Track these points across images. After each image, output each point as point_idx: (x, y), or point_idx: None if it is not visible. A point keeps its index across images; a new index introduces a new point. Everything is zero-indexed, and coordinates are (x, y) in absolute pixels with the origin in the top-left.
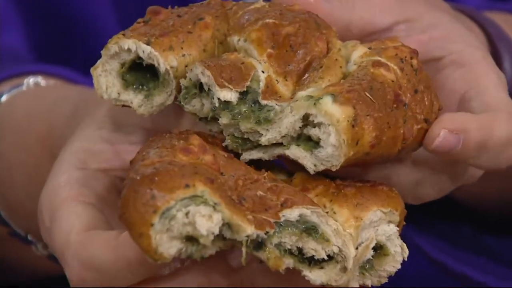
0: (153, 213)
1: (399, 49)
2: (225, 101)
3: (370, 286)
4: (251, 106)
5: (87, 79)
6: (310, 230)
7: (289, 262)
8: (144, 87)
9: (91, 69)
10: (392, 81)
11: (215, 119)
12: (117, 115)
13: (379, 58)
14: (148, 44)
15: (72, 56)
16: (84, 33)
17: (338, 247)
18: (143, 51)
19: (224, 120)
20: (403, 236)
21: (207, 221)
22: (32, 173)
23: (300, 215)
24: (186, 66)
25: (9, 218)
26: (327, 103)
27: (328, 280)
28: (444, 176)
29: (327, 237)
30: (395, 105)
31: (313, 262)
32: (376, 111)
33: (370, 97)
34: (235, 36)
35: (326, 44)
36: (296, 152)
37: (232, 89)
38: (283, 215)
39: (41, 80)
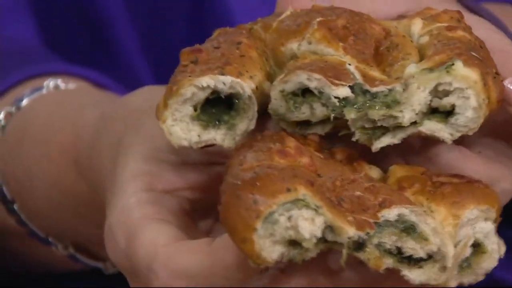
0: (256, 218)
1: (448, 12)
2: (343, 98)
3: (466, 284)
4: (365, 96)
5: (106, 79)
6: (409, 229)
7: (389, 262)
8: (221, 121)
9: (160, 124)
10: (470, 40)
11: (305, 123)
12: None
13: (445, 23)
14: (223, 75)
15: (83, 52)
16: (95, 29)
17: (437, 245)
18: (223, 83)
19: (351, 115)
20: None
21: (309, 225)
22: (54, 180)
23: (399, 215)
24: (256, 88)
25: (29, 220)
26: (460, 67)
27: (427, 279)
28: (510, 178)
29: (426, 236)
30: (485, 61)
31: (412, 261)
32: (486, 68)
33: (477, 56)
34: (291, 43)
35: (380, 26)
36: (431, 126)
37: (345, 85)
38: (382, 215)
39: (60, 83)
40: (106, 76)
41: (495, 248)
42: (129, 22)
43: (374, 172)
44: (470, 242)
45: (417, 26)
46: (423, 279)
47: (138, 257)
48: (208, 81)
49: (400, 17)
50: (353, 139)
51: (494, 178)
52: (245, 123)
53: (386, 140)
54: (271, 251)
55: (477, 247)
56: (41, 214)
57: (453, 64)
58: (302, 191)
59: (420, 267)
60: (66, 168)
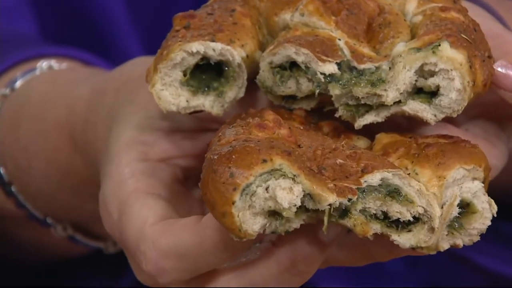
0: (234, 190)
1: None
2: (329, 74)
3: (461, 245)
4: (352, 73)
5: (100, 60)
6: (393, 193)
7: (376, 227)
8: (211, 87)
9: (149, 88)
10: (463, 22)
11: (292, 97)
12: None
13: (440, 4)
14: (213, 41)
15: (82, 46)
16: (94, 24)
17: (423, 207)
18: (213, 49)
19: (336, 91)
20: None
21: (288, 194)
22: (51, 158)
23: (382, 179)
24: (247, 56)
25: (27, 202)
26: (447, 49)
27: (417, 242)
28: (497, 154)
29: (411, 198)
30: (476, 44)
31: (400, 226)
32: (475, 50)
33: (467, 38)
34: (284, 14)
35: (375, 2)
36: (414, 106)
37: (332, 61)
38: (365, 181)
39: (54, 63)
40: (99, 57)
41: (485, 207)
42: (131, 19)
43: (362, 142)
44: (456, 201)
45: (412, 4)
46: (413, 242)
47: (127, 236)
48: (198, 47)
49: None
50: (336, 115)
51: (487, 151)
52: (234, 90)
53: (369, 118)
54: (252, 223)
55: (467, 207)
56: (40, 194)
57: (439, 45)
58: (279, 161)
59: (409, 230)
60: (62, 144)
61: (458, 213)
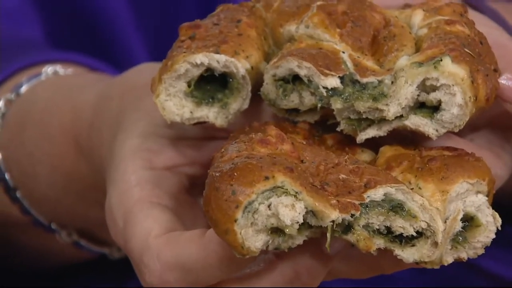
0: (236, 208)
1: (451, 5)
2: (331, 88)
3: (466, 259)
4: (354, 87)
5: (105, 66)
6: (397, 208)
7: (379, 242)
8: (215, 99)
9: (154, 99)
10: (468, 35)
11: (295, 110)
12: None
13: (446, 17)
14: (217, 53)
15: (86, 50)
16: (99, 28)
17: (426, 222)
18: (218, 61)
19: (337, 105)
20: None
21: (290, 211)
22: (56, 163)
23: (385, 194)
24: (252, 67)
25: (32, 207)
26: (448, 64)
27: (420, 257)
28: (502, 165)
29: (414, 213)
30: (481, 58)
31: (403, 241)
32: (478, 65)
33: (470, 52)
34: (289, 25)
35: (381, 14)
36: (416, 121)
37: (334, 75)
38: (368, 196)
39: (59, 68)
40: (104, 63)
41: (490, 220)
42: (136, 24)
43: (366, 155)
44: (460, 216)
45: (417, 17)
46: (417, 257)
47: (132, 246)
48: (202, 58)
49: (406, 6)
50: (338, 129)
51: (490, 162)
52: (239, 102)
53: (371, 132)
54: (254, 240)
55: (471, 221)
56: (45, 199)
57: (441, 60)
58: (281, 178)
59: (413, 245)
60: (67, 149)
61: (462, 227)
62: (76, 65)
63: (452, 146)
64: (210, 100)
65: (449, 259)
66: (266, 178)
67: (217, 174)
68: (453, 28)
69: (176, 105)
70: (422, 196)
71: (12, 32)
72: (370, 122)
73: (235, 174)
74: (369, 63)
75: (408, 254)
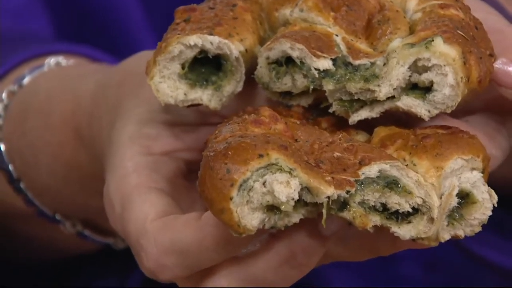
0: (231, 186)
1: None
2: (323, 70)
3: (463, 236)
4: (347, 69)
5: (109, 57)
6: (392, 184)
7: (375, 219)
8: (209, 81)
9: (148, 81)
10: (463, 19)
11: (289, 93)
12: None
13: (440, 1)
14: (211, 35)
15: (96, 45)
16: (109, 24)
17: (422, 198)
18: (211, 43)
19: (329, 86)
20: None
21: (285, 188)
22: (57, 152)
23: (380, 171)
24: (246, 50)
25: (36, 198)
26: (440, 44)
27: (417, 233)
28: (497, 144)
29: (409, 189)
30: (475, 41)
31: (400, 218)
32: (471, 47)
33: (463, 34)
34: (284, 9)
35: None
36: (408, 102)
37: (327, 57)
38: (363, 173)
39: (61, 60)
40: (109, 55)
41: (486, 197)
42: (145, 17)
43: (361, 136)
44: (455, 191)
45: (412, 2)
46: (413, 233)
47: (129, 230)
48: (196, 40)
49: None
50: (330, 110)
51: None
52: (233, 85)
53: (363, 114)
54: (250, 218)
55: (467, 197)
56: (47, 190)
57: (432, 40)
58: (275, 156)
59: (409, 222)
60: (68, 139)
61: (458, 204)
62: (79, 56)
63: (446, 125)
64: (204, 82)
65: (446, 236)
66: (260, 155)
67: (211, 154)
68: (447, 12)
69: (170, 87)
70: (417, 173)
71: (15, 25)
72: (362, 104)
73: (229, 153)
74: (362, 46)
75: (404, 231)
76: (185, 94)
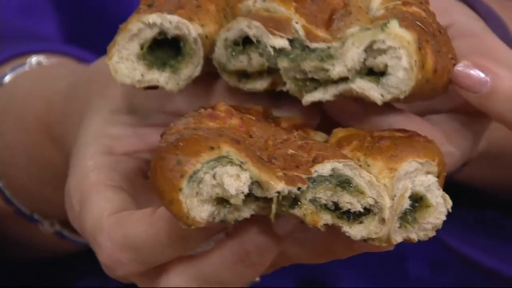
0: (181, 177)
1: None
2: (279, 49)
3: (416, 240)
4: (303, 50)
5: (95, 57)
6: (344, 183)
7: (326, 217)
8: (167, 64)
9: (106, 61)
10: (424, 17)
11: (245, 75)
12: (132, 98)
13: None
14: (171, 15)
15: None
16: (115, 23)
17: (373, 198)
18: (170, 22)
19: (284, 63)
20: None
21: (235, 181)
22: (31, 152)
23: (333, 169)
24: (206, 37)
25: (14, 197)
26: (395, 26)
27: (368, 234)
28: (456, 142)
29: (362, 189)
30: (436, 39)
31: (351, 217)
32: (429, 37)
33: (422, 26)
34: (248, 0)
35: None
36: (362, 84)
37: (283, 36)
38: (315, 170)
39: (43, 59)
40: (93, 53)
41: (440, 201)
42: None
43: (319, 137)
44: (408, 193)
45: (376, 1)
46: (364, 233)
47: (86, 227)
48: (155, 18)
49: None
50: (284, 89)
51: (438, 141)
52: (190, 68)
53: (317, 95)
54: (199, 210)
55: (421, 201)
56: (25, 189)
57: (388, 22)
58: (226, 149)
59: (360, 222)
60: (41, 139)
61: (412, 207)
62: (64, 56)
63: (404, 129)
64: (162, 65)
65: (397, 238)
66: (212, 148)
67: (163, 145)
68: (409, 9)
69: (128, 68)
70: (370, 173)
71: (14, 22)
72: (317, 85)
73: (181, 144)
74: (321, 33)
75: (355, 231)
76: (142, 75)
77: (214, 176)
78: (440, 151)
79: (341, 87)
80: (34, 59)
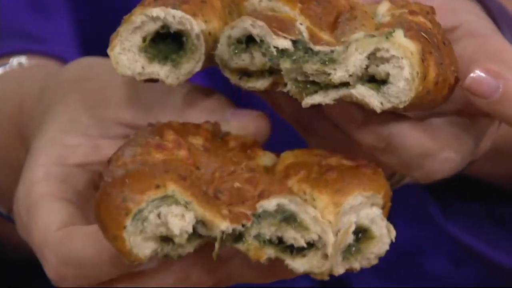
0: (125, 215)
1: (419, 5)
2: (282, 49)
3: (358, 269)
4: (306, 53)
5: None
6: (289, 219)
7: (270, 252)
8: (168, 58)
9: (108, 51)
10: (430, 28)
11: (246, 74)
12: (92, 107)
13: (410, 9)
14: (175, 9)
15: None
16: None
17: (318, 234)
18: (173, 16)
19: (286, 65)
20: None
21: (179, 221)
22: (4, 153)
23: (278, 205)
24: (209, 33)
25: None
26: (400, 36)
27: (310, 268)
28: (456, 147)
29: (306, 225)
30: (440, 51)
31: (295, 251)
32: (433, 49)
33: (426, 37)
34: None
35: (347, 0)
36: (362, 91)
37: (287, 37)
38: (261, 206)
39: (24, 60)
40: (77, 54)
41: (384, 232)
42: None
43: (267, 158)
44: (351, 229)
45: (383, 7)
46: (307, 267)
47: (33, 240)
48: (159, 12)
49: (375, 1)
50: (285, 89)
51: (438, 147)
52: (191, 63)
53: (317, 98)
54: (142, 247)
55: (365, 232)
56: (1, 189)
57: (394, 31)
58: (172, 187)
59: (304, 255)
60: (13, 141)
61: (356, 238)
62: (45, 56)
63: (353, 155)
64: (163, 58)
65: (340, 270)
66: (157, 186)
67: (109, 180)
68: (415, 18)
69: (130, 59)
70: (315, 208)
71: (12, 20)
72: (317, 88)
73: (127, 181)
74: (325, 36)
75: (298, 264)
76: (142, 67)
77: (158, 215)
78: (386, 182)
79: (342, 91)
80: (15, 60)
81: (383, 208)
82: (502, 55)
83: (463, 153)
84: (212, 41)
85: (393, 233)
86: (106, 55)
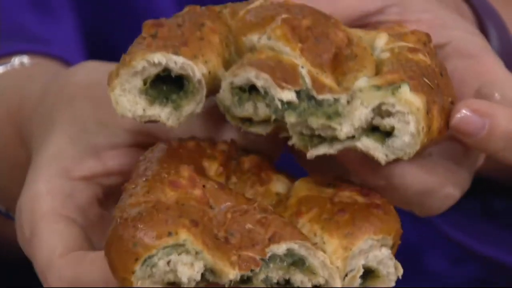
0: (135, 260)
1: (416, 33)
2: (286, 102)
3: None
4: (310, 102)
5: (81, 59)
6: (298, 262)
7: None
8: (169, 99)
9: (109, 91)
10: (429, 65)
11: (249, 120)
12: (101, 114)
13: (409, 44)
14: (176, 55)
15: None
16: (134, 10)
17: (325, 279)
18: (175, 62)
19: (291, 119)
20: None
21: (188, 269)
22: (2, 152)
23: (288, 249)
24: (209, 72)
25: None
26: (406, 91)
27: None
28: (455, 182)
29: (314, 269)
30: (439, 89)
31: None
32: (435, 97)
33: (429, 82)
34: (253, 35)
35: (344, 33)
36: (367, 144)
37: (291, 89)
38: (271, 250)
39: (26, 59)
40: (79, 55)
41: (391, 271)
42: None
43: (281, 184)
44: (359, 274)
45: (381, 40)
46: None
47: (36, 259)
48: (160, 58)
49: (372, 28)
50: (290, 143)
51: (438, 185)
52: (192, 105)
53: (322, 149)
54: None
55: (372, 272)
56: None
57: (400, 87)
58: (183, 236)
59: None
60: (12, 139)
61: (363, 276)
62: (47, 57)
63: (367, 188)
64: (164, 100)
65: None
66: (170, 233)
67: (122, 221)
68: (415, 57)
69: (130, 101)
70: (324, 251)
71: (11, 19)
72: (322, 140)
73: (139, 225)
74: (327, 80)
75: None
76: (143, 109)
77: (168, 263)
78: (397, 222)
79: (347, 143)
80: (17, 59)
81: (392, 247)
82: (491, 76)
83: (462, 187)
84: (211, 78)
85: (401, 270)
86: (108, 56)
